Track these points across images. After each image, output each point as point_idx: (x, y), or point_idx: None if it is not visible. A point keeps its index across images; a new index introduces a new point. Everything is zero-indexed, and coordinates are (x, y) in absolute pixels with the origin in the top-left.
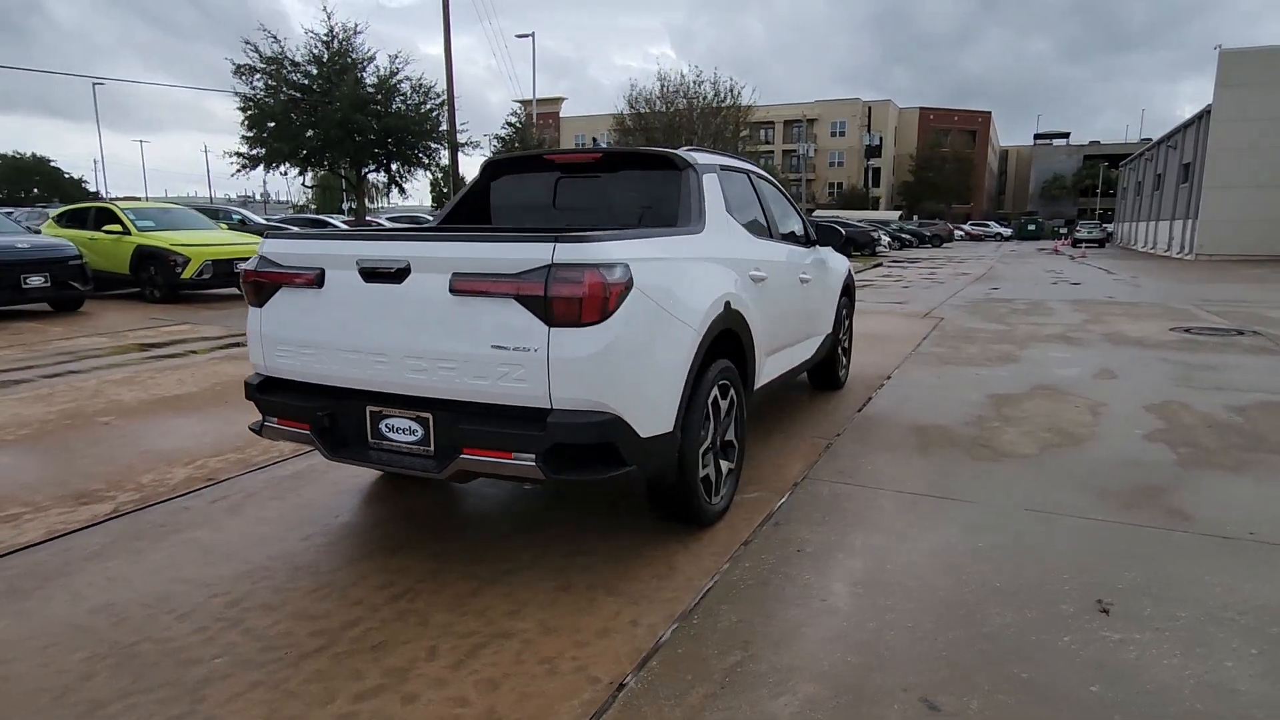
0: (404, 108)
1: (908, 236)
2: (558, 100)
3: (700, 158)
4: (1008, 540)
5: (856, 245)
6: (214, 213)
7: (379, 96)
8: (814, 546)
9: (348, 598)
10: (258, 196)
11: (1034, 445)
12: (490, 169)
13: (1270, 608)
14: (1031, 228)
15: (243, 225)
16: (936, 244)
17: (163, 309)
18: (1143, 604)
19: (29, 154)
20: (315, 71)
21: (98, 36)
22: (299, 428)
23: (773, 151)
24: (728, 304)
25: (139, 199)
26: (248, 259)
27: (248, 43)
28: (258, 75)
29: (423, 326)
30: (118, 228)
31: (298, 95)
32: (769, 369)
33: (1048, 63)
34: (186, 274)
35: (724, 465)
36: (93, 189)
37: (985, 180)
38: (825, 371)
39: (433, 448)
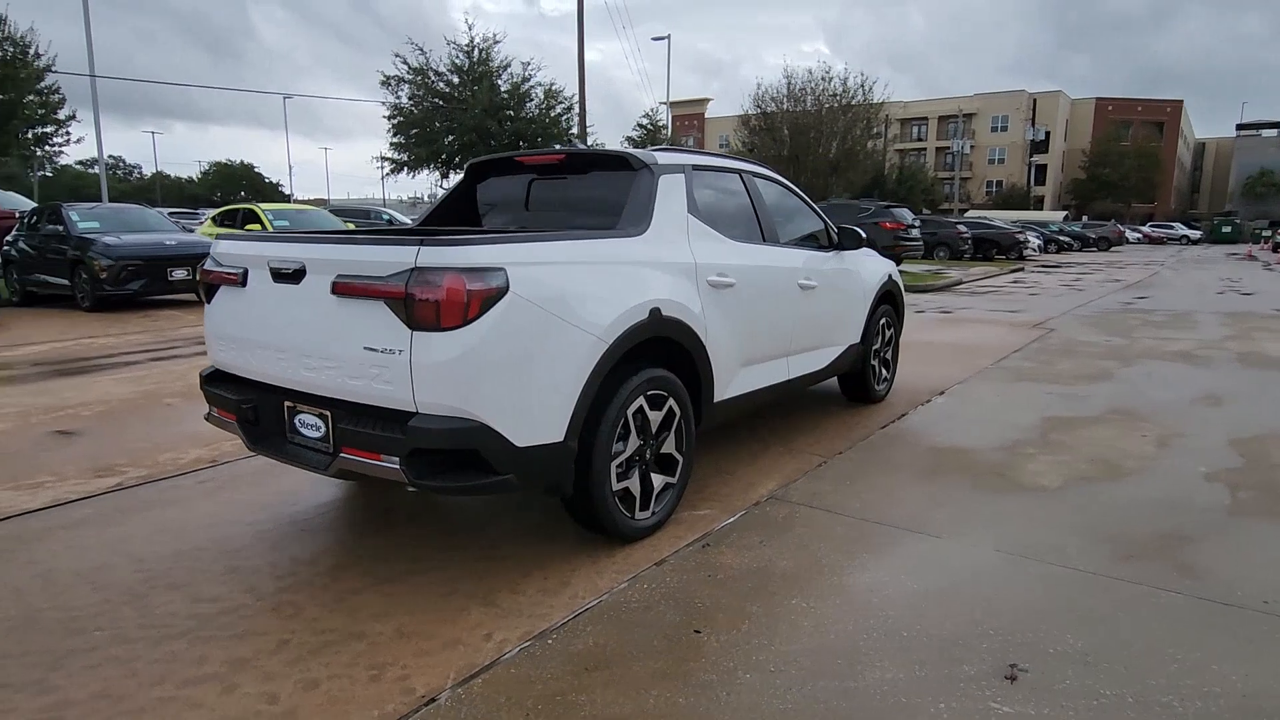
0: (536, 112)
1: (1067, 239)
2: (703, 101)
3: (664, 158)
4: (953, 584)
5: (999, 248)
6: (365, 213)
7: (511, 102)
8: (728, 573)
9: (244, 584)
10: (426, 198)
11: (1060, 477)
12: (473, 171)
13: (1230, 695)
14: (1227, 230)
15: (389, 225)
16: (1103, 247)
17: None
18: (1065, 674)
19: (238, 161)
20: (456, 80)
21: (297, 55)
22: (229, 418)
23: (924, 149)
24: (656, 311)
25: (325, 200)
26: None
27: (397, 55)
28: (405, 85)
29: (314, 326)
30: (258, 227)
31: (440, 103)
32: (746, 380)
33: (1258, 45)
34: None
35: (658, 479)
36: (287, 192)
37: (1174, 176)
38: (857, 384)
39: (331, 445)
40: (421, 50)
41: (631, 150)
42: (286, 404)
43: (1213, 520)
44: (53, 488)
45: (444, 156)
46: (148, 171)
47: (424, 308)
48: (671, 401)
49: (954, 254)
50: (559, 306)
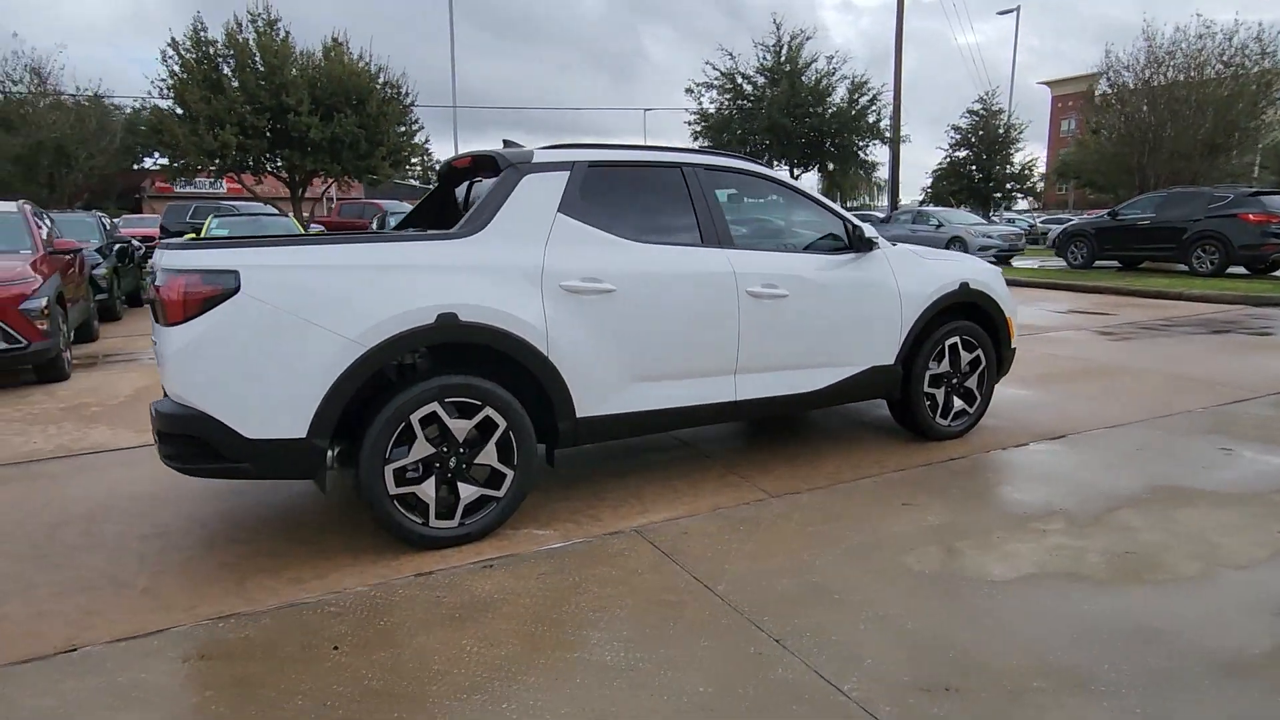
0: (841, 105)
1: None
2: (1091, 77)
3: (542, 156)
4: (602, 712)
5: None
6: None
7: (810, 99)
8: (453, 604)
9: (65, 545)
10: None
11: (1034, 563)
12: (443, 172)
13: None
14: None
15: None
16: None
17: None
18: None
19: None
20: (761, 81)
21: (678, 70)
22: None
23: None
24: (449, 316)
25: None
26: None
27: (708, 63)
28: (712, 90)
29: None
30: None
31: (747, 104)
32: (649, 396)
33: None
34: None
35: (468, 490)
36: None
37: None
38: (904, 413)
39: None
40: (730, 55)
41: (505, 150)
42: None
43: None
44: (58, 440)
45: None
46: None
47: (160, 305)
48: (490, 411)
49: None
50: (304, 308)
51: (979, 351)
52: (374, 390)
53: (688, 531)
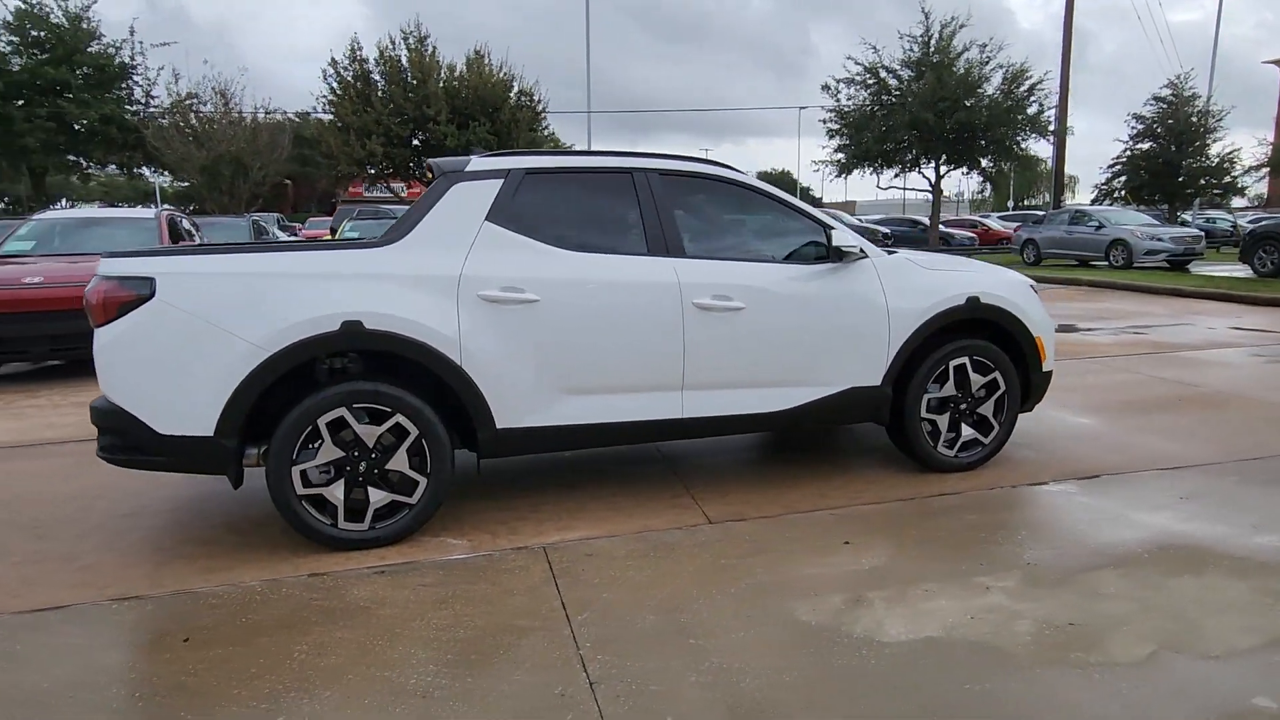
0: (997, 97)
1: None
2: None
3: (478, 164)
4: None
5: None
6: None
7: (960, 91)
8: (261, 616)
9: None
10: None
11: (944, 626)
12: (428, 180)
13: None
14: None
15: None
16: None
17: None
18: None
19: (779, 169)
20: (907, 75)
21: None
22: None
23: None
24: (354, 324)
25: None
26: None
27: (849, 58)
28: (848, 86)
29: None
30: None
31: (891, 100)
32: (583, 410)
33: None
34: None
35: (378, 495)
36: (817, 195)
37: None
38: (901, 439)
39: None
40: (875, 48)
41: (438, 160)
42: None
43: None
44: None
45: (877, 155)
46: None
47: (87, 309)
48: (401, 418)
49: None
50: (213, 314)
51: (995, 375)
52: (305, 392)
53: (593, 553)
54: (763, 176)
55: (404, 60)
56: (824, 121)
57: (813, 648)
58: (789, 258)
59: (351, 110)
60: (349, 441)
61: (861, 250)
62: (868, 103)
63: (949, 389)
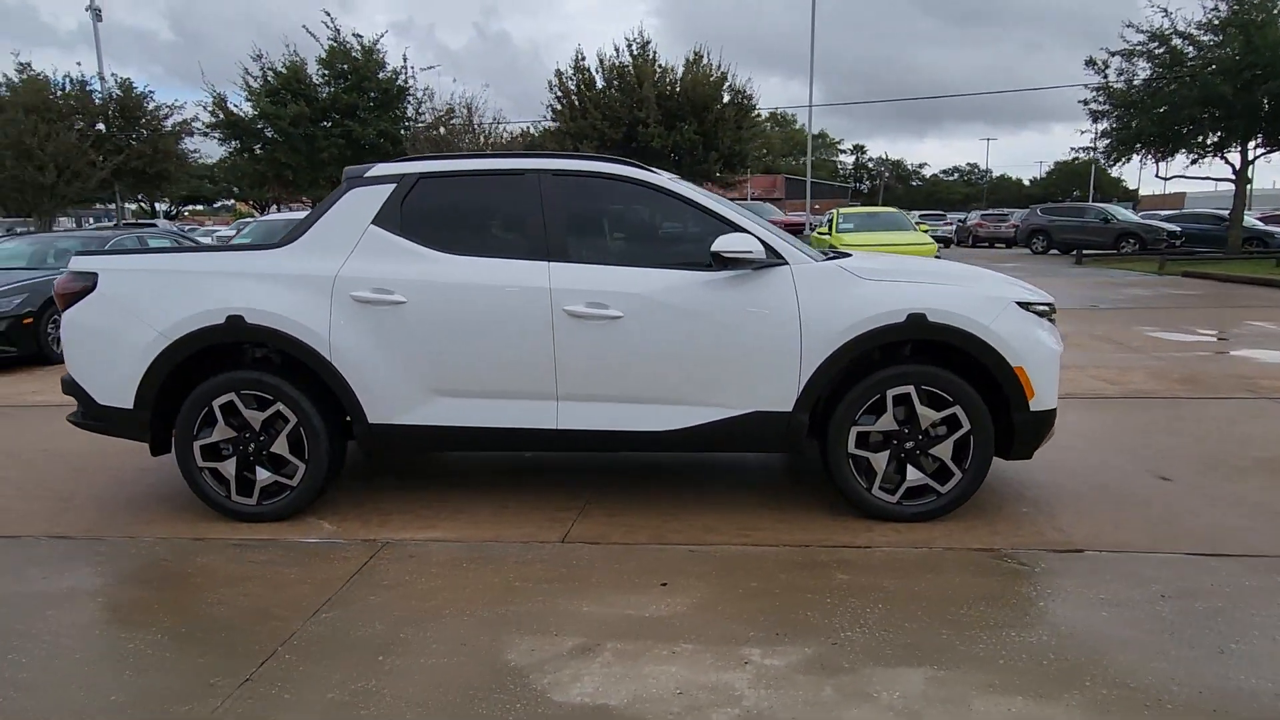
0: None
1: None
2: None
3: (379, 169)
4: None
5: None
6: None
7: (1274, 57)
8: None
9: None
10: None
11: (628, 695)
12: None
13: None
14: None
15: (1105, 224)
16: None
17: None
18: None
19: (1079, 159)
20: (1207, 40)
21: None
22: None
23: None
24: (236, 318)
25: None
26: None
27: (1128, 24)
28: (1133, 58)
29: None
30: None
31: (1184, 73)
32: (454, 412)
33: None
34: None
35: (263, 474)
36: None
37: None
38: (830, 474)
39: None
40: (1165, 11)
41: (354, 166)
42: None
43: None
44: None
45: (1154, 139)
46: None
47: (56, 297)
48: (281, 406)
49: None
50: (136, 305)
51: (955, 410)
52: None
53: (416, 555)
54: (1062, 166)
55: (630, 68)
56: (1084, 102)
57: (481, 690)
58: (688, 264)
59: (570, 117)
60: (238, 425)
61: (769, 257)
62: (1153, 75)
63: (886, 422)
